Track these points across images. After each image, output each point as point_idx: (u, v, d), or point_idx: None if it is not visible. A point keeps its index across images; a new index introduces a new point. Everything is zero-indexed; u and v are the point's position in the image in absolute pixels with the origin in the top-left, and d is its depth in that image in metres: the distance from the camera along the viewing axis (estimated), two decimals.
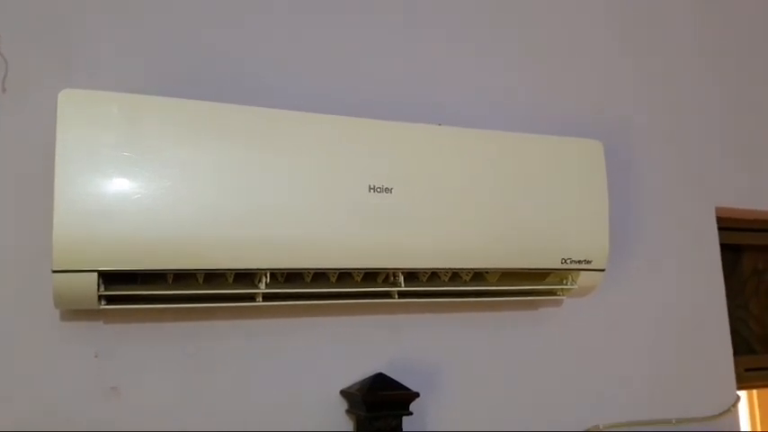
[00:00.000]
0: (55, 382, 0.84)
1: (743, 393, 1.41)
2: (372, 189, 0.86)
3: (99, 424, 0.84)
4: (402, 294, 0.92)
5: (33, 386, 0.83)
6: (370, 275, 0.91)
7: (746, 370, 1.39)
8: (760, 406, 1.57)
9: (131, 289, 0.79)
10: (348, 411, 0.96)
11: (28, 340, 0.83)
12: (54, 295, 0.76)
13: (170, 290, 0.81)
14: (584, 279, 1.00)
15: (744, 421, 1.53)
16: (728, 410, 1.25)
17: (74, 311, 0.85)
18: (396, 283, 0.91)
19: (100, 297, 0.77)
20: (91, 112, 0.75)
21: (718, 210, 1.34)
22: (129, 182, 0.75)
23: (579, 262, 0.98)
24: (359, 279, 0.91)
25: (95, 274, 0.74)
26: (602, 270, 1.00)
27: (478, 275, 0.98)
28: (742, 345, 1.43)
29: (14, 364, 0.82)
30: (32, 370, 0.83)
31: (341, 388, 0.97)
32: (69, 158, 0.73)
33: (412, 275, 0.93)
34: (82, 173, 0.73)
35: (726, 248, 1.35)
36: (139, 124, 0.76)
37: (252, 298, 0.85)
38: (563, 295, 1.03)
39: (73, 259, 0.73)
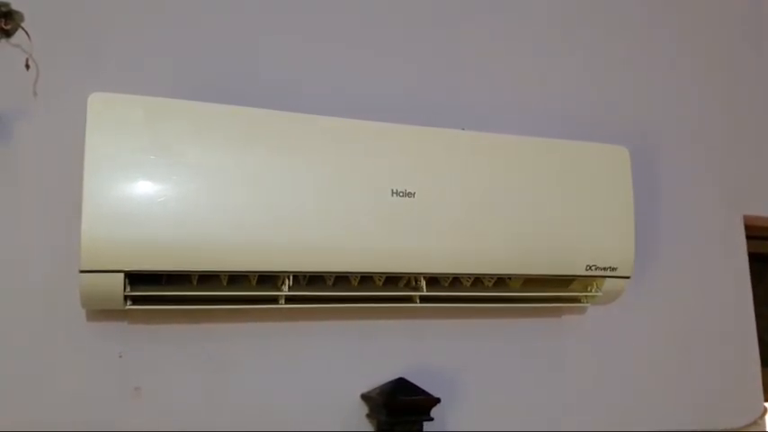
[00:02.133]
0: (79, 380, 0.85)
1: None
2: (395, 193, 0.86)
3: (122, 424, 0.85)
4: (424, 299, 0.91)
5: (58, 384, 0.84)
6: (392, 280, 0.91)
7: None
8: None
9: (156, 290, 0.80)
10: (368, 416, 0.96)
11: (54, 339, 0.85)
12: (81, 295, 0.77)
13: (194, 291, 0.82)
14: (608, 286, 0.99)
15: None
16: (755, 423, 1.23)
17: (100, 311, 0.86)
18: (417, 288, 0.90)
19: (125, 297, 0.78)
20: (119, 116, 0.76)
21: (746, 218, 1.31)
22: (156, 185, 0.76)
23: (604, 269, 0.96)
24: (380, 283, 0.91)
25: (121, 274, 0.75)
26: (628, 277, 0.99)
27: (501, 281, 0.98)
28: None
29: (40, 363, 0.84)
30: (58, 368, 0.84)
31: (361, 392, 0.97)
32: (98, 161, 0.74)
33: (434, 280, 0.92)
34: (110, 175, 0.74)
35: (754, 258, 1.32)
36: (166, 127, 0.77)
37: (275, 300, 0.85)
38: (587, 303, 1.01)
39: (100, 260, 0.74)
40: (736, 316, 1.27)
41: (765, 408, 1.26)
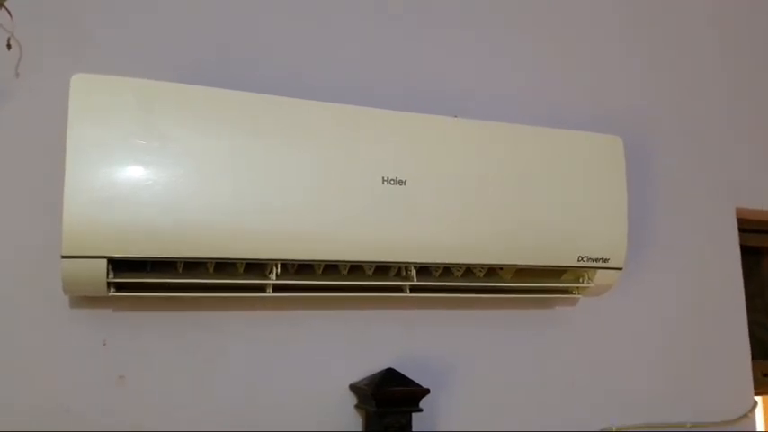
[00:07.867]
0: (63, 368, 0.83)
1: (760, 399, 1.38)
2: (386, 181, 0.84)
3: (106, 412, 0.84)
4: (414, 289, 0.90)
5: (41, 372, 0.82)
6: (382, 269, 0.90)
7: (764, 375, 1.37)
8: None
9: (141, 276, 0.79)
10: (357, 406, 0.95)
11: (37, 326, 0.83)
12: (63, 281, 0.75)
13: (180, 278, 0.81)
14: (600, 278, 0.98)
15: (761, 427, 1.50)
16: (745, 416, 1.23)
17: (83, 298, 0.85)
18: (408, 278, 0.89)
19: (109, 284, 0.76)
20: (103, 98, 0.74)
21: (738, 211, 1.31)
22: (141, 169, 0.74)
23: (596, 260, 0.96)
24: (370, 272, 0.90)
25: (104, 260, 0.74)
26: (620, 269, 0.98)
27: (492, 272, 0.97)
28: (760, 349, 1.40)
29: (23, 350, 0.82)
30: (41, 356, 0.83)
31: (350, 382, 0.96)
32: (81, 144, 0.72)
33: (424, 270, 0.91)
34: (93, 158, 0.72)
35: (746, 251, 1.32)
36: (152, 111, 0.76)
37: (262, 289, 0.84)
38: (579, 294, 1.01)
39: (82, 245, 0.72)
40: (728, 309, 1.27)
41: (755, 401, 1.26)
